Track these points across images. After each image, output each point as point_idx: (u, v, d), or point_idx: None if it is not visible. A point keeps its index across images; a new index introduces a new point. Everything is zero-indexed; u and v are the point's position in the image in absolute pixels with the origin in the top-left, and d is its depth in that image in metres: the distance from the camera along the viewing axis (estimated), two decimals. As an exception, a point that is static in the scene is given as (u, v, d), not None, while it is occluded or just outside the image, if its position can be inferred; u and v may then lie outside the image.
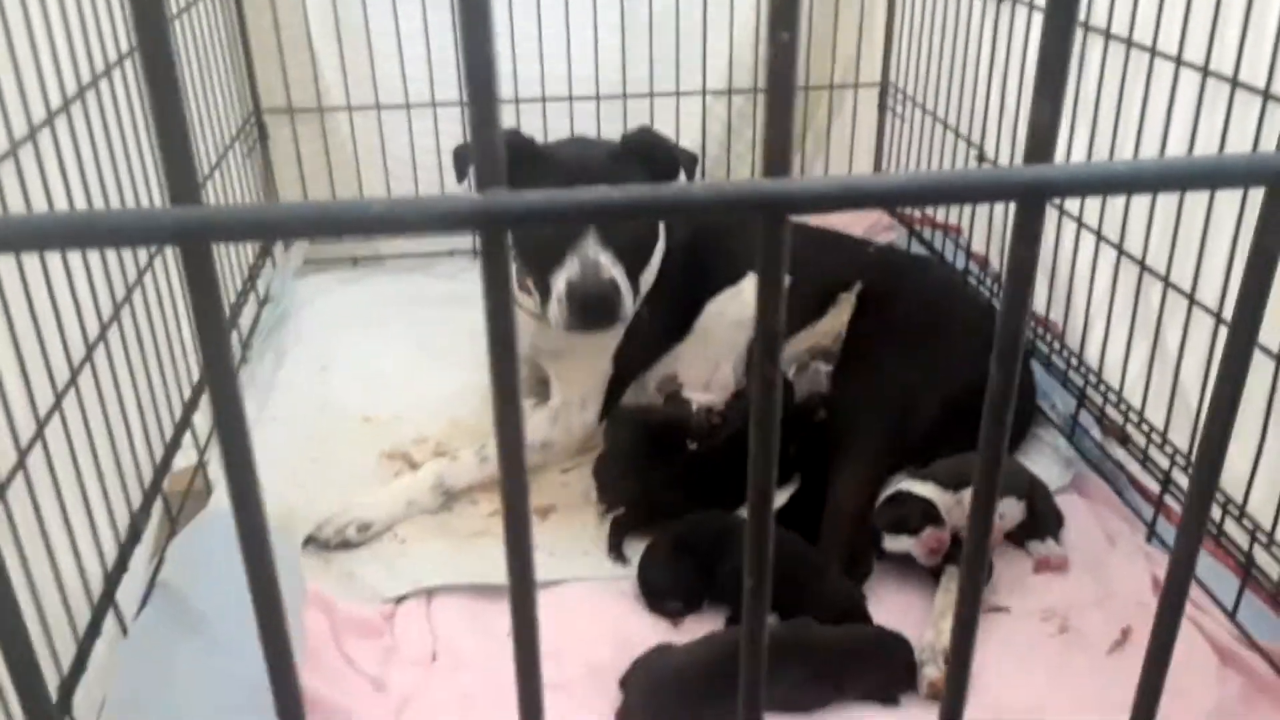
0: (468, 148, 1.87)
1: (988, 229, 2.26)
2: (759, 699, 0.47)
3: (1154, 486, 1.71)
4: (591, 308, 1.73)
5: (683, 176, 1.93)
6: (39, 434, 1.24)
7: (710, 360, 2.06)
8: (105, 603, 1.39)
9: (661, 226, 2.05)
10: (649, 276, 1.96)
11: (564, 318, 1.74)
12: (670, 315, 2.04)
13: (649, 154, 1.85)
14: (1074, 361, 1.94)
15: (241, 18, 2.49)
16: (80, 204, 1.46)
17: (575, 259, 1.73)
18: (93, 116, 1.54)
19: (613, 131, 2.62)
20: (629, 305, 1.77)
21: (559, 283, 1.74)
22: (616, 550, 1.72)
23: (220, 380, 0.37)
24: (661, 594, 1.61)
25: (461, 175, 1.86)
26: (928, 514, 1.62)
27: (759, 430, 0.42)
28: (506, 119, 2.53)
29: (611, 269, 1.74)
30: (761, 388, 0.41)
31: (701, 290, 2.06)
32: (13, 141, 1.26)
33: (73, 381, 1.37)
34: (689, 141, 2.70)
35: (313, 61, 2.55)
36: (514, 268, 1.77)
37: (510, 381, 0.38)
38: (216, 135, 2.21)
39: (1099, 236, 1.82)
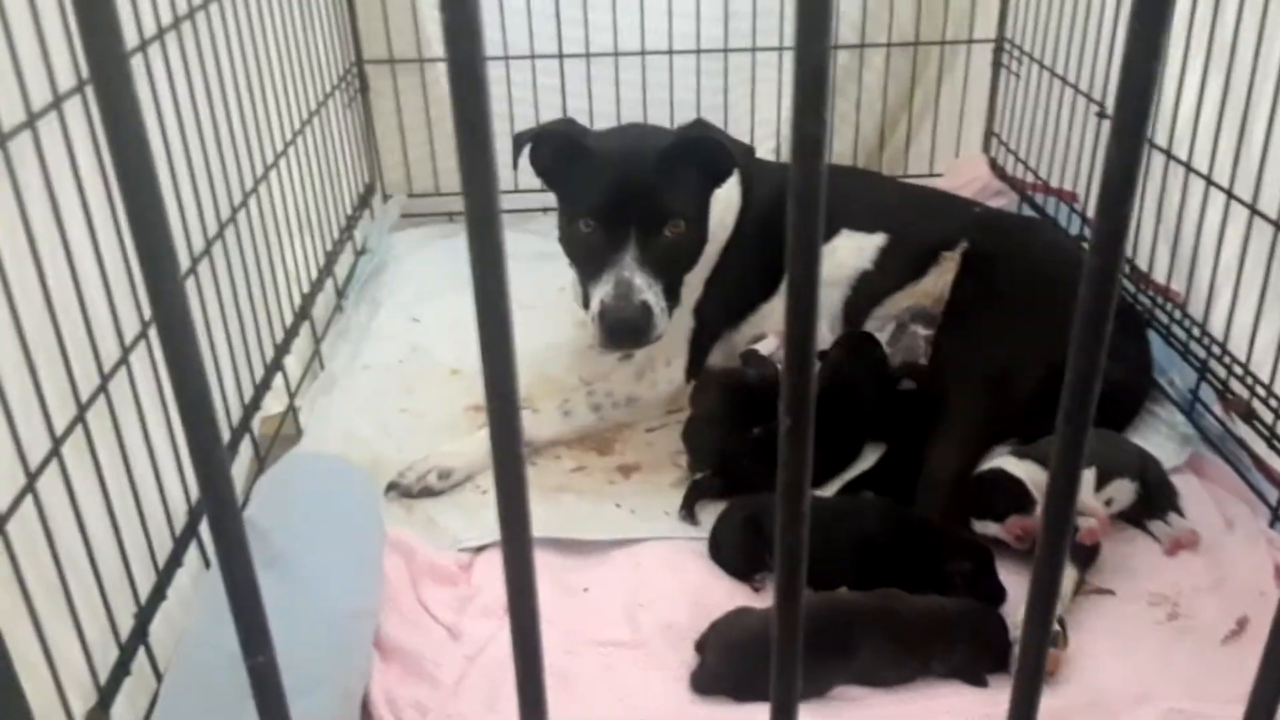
0: (524, 132, 1.82)
1: (1106, 194, 2.13)
2: (794, 677, 0.41)
3: (1281, 467, 1.59)
4: (621, 332, 1.73)
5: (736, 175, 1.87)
6: (123, 359, 1.25)
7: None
8: (188, 534, 1.41)
9: (738, 188, 1.98)
10: (700, 270, 1.92)
11: (595, 335, 1.77)
12: (756, 272, 1.98)
13: (703, 150, 1.79)
14: (1196, 332, 1.81)
15: (345, -33, 2.50)
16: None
17: (611, 278, 1.72)
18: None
19: (714, 88, 2.57)
20: (661, 325, 1.76)
21: (595, 300, 1.75)
22: (688, 511, 1.68)
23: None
24: (726, 565, 1.58)
25: (516, 160, 1.81)
26: (1014, 500, 1.54)
27: (791, 404, 0.37)
28: (605, 73, 2.51)
29: (645, 291, 1.72)
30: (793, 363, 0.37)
31: None
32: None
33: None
34: (790, 99, 2.62)
35: (414, 12, 2.55)
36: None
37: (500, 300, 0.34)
38: (316, 84, 2.22)
39: (1230, 195, 1.69)
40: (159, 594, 1.31)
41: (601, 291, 1.73)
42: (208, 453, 0.36)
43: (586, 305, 1.82)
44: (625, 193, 1.74)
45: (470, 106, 0.31)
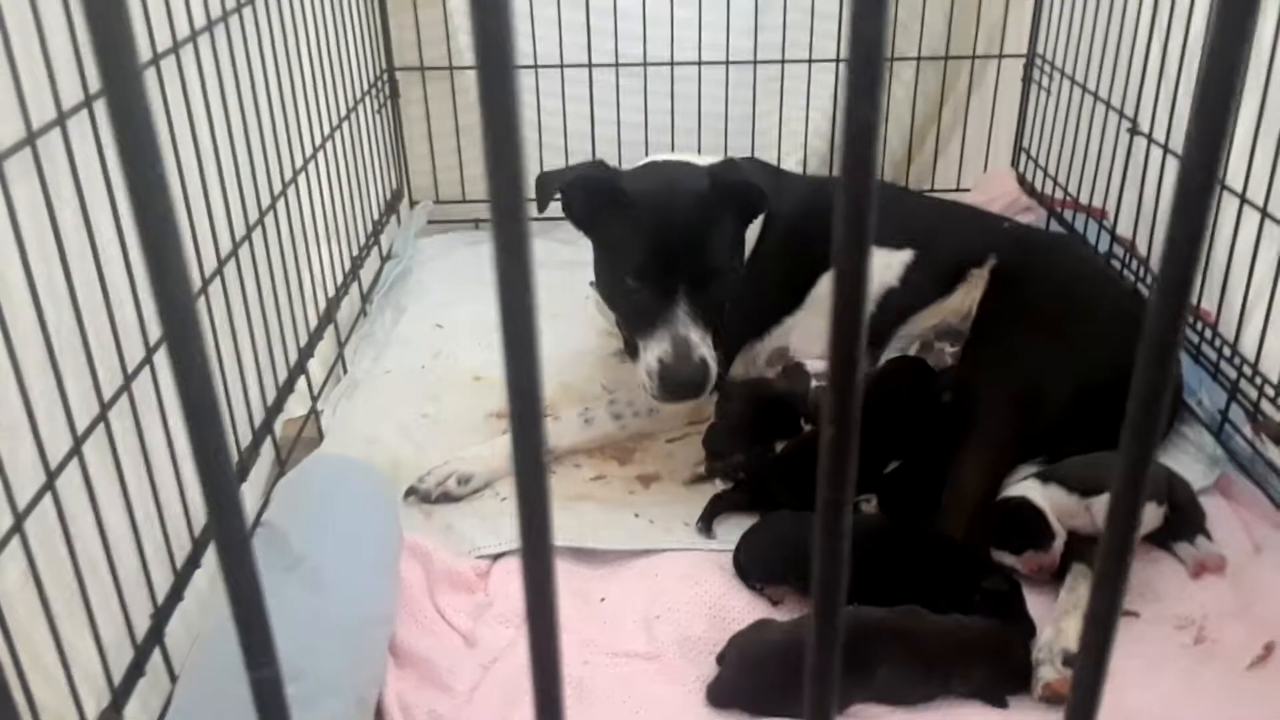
0: (552, 176, 1.78)
1: (1135, 212, 2.11)
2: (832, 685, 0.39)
3: (1312, 491, 1.56)
4: (684, 390, 1.71)
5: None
6: (147, 359, 1.25)
7: (824, 334, 1.98)
8: (207, 536, 1.41)
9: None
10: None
11: (652, 389, 1.74)
12: (780, 286, 1.97)
13: (738, 192, 1.76)
14: (1227, 352, 1.79)
15: (377, -27, 2.51)
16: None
17: (666, 334, 1.70)
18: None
19: (742, 99, 2.56)
20: (715, 376, 1.74)
21: (650, 355, 1.72)
22: (706, 524, 1.67)
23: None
24: (750, 580, 1.56)
25: (543, 206, 1.74)
26: (1032, 536, 1.52)
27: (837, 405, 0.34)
28: (635, 82, 2.51)
29: (701, 346, 1.70)
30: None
31: (815, 262, 1.97)
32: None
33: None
34: (818, 112, 2.61)
35: (445, 20, 2.56)
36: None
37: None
38: (347, 90, 2.23)
39: (1264, 213, 1.66)
40: (176, 595, 1.32)
41: (659, 349, 1.71)
42: (214, 461, 0.34)
43: (632, 352, 1.80)
44: (672, 248, 1.71)
45: (500, 109, 0.29)
